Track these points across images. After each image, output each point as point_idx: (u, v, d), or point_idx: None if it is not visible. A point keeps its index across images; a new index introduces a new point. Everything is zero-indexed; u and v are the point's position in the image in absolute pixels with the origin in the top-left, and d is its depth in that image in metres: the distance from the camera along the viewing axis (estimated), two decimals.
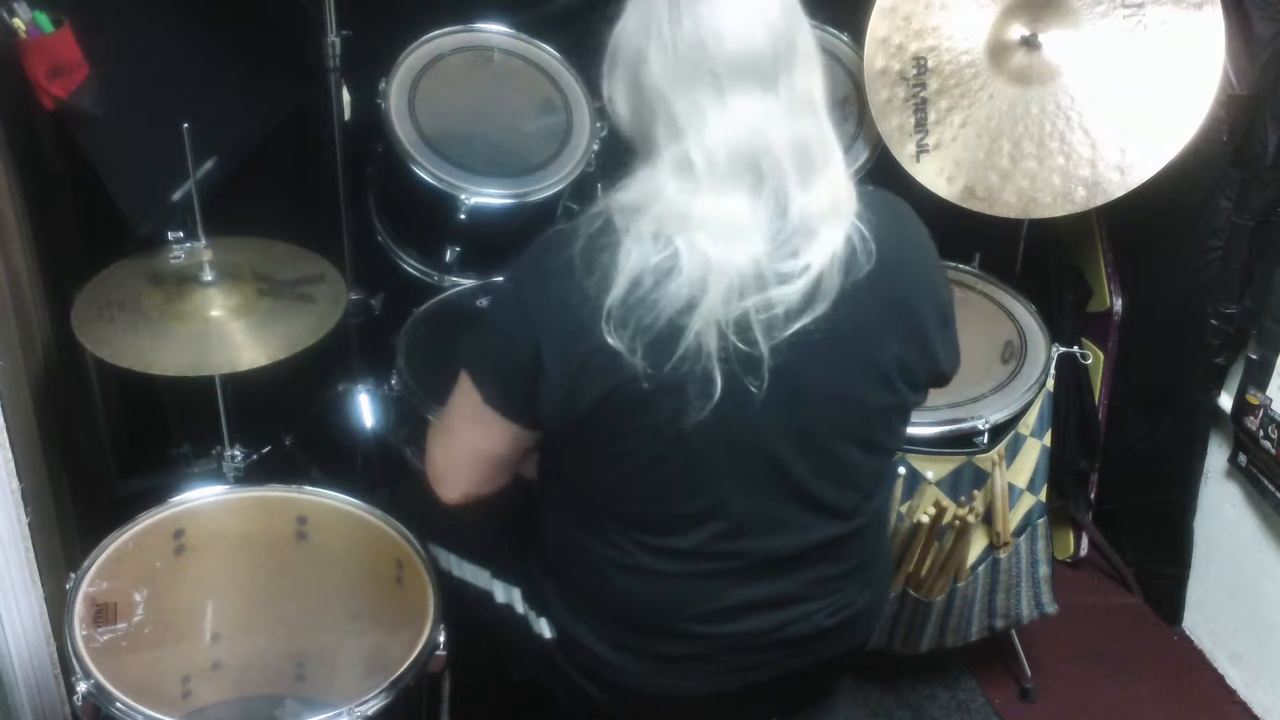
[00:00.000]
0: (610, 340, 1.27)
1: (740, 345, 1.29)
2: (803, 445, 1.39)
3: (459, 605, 1.72)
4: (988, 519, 2.16)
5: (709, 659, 1.50)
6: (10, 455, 1.71)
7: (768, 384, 1.30)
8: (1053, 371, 2.19)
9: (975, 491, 2.13)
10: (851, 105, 2.38)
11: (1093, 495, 2.70)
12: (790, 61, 1.29)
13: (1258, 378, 2.26)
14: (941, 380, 1.51)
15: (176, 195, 2.08)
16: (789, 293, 1.29)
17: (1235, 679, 2.51)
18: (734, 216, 1.28)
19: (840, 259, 1.31)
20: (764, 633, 1.48)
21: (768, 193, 1.29)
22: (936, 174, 2.24)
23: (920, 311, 1.42)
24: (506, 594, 1.64)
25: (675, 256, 1.27)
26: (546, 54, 2.39)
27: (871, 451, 1.46)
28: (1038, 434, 2.18)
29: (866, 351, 1.37)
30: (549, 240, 1.36)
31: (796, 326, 1.30)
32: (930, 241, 1.47)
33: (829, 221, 1.31)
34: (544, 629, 1.57)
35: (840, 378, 1.37)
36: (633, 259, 1.27)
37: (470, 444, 1.46)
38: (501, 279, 1.41)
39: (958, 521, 2.08)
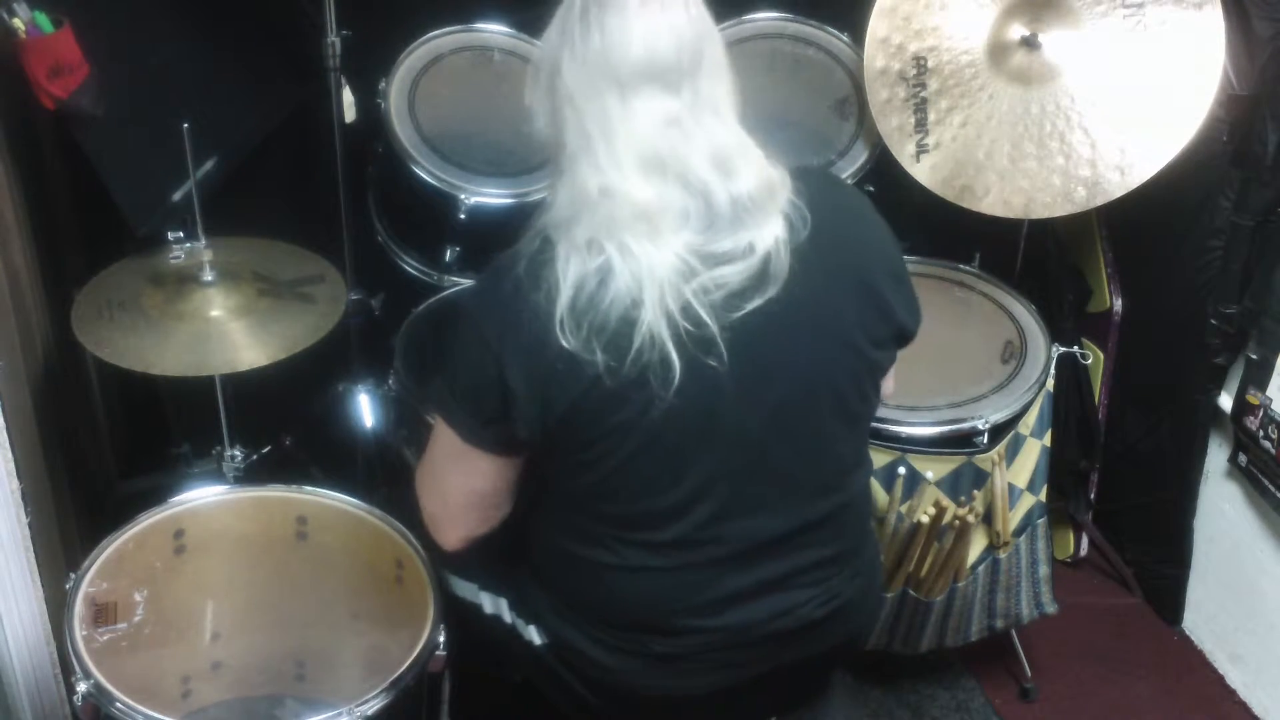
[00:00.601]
0: (568, 345, 1.31)
1: (691, 328, 1.32)
2: (777, 422, 1.41)
3: (452, 615, 1.72)
4: (988, 519, 2.16)
5: (701, 656, 1.50)
6: (10, 455, 1.71)
7: (730, 364, 1.34)
8: (1053, 371, 2.19)
9: (975, 491, 2.13)
10: (851, 105, 2.38)
11: (1093, 495, 2.70)
12: (696, 69, 1.34)
13: (1258, 378, 2.26)
14: (905, 336, 1.52)
15: (176, 195, 2.08)
16: (729, 273, 1.33)
17: (1235, 679, 2.51)
18: (652, 214, 1.32)
19: (783, 236, 1.35)
20: (753, 625, 1.49)
21: (682, 186, 1.33)
22: (937, 174, 2.24)
23: (868, 269, 1.45)
24: (494, 604, 1.65)
25: (609, 259, 1.31)
26: None
27: (848, 421, 1.48)
28: (1038, 434, 2.18)
29: (825, 319, 1.41)
30: (494, 268, 1.42)
31: (750, 306, 1.34)
32: (867, 203, 1.53)
33: (763, 202, 1.35)
34: (534, 636, 1.58)
35: (803, 348, 1.40)
36: (572, 267, 1.32)
37: (460, 486, 1.49)
38: (460, 309, 1.48)
39: (958, 521, 2.08)
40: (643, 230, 1.31)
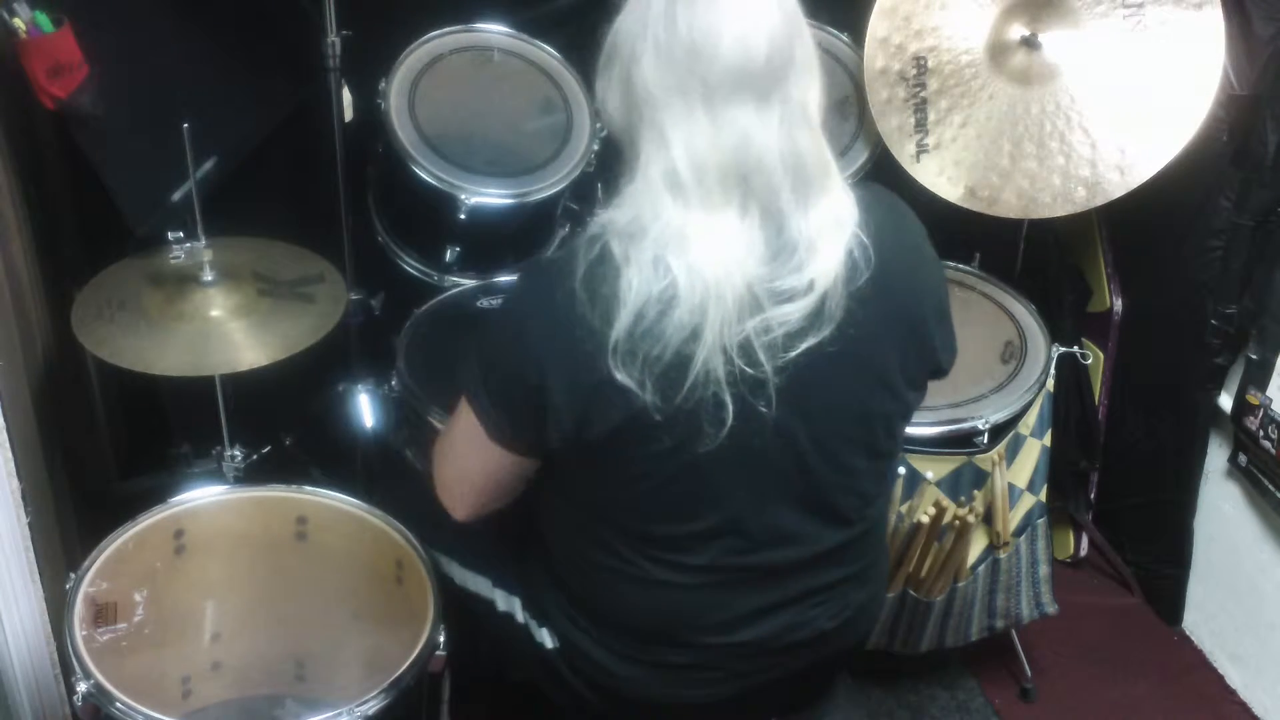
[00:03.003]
0: (619, 376, 1.25)
1: (746, 369, 1.27)
2: (811, 459, 1.38)
3: (459, 613, 1.71)
4: (988, 519, 2.16)
5: (712, 667, 1.49)
6: (10, 455, 1.71)
7: (776, 404, 1.29)
8: (1053, 371, 2.19)
9: (975, 491, 2.13)
10: (851, 105, 2.38)
11: (1093, 495, 2.70)
12: (786, 73, 1.25)
13: (1258, 378, 2.26)
14: (939, 373, 1.50)
15: (176, 195, 2.08)
16: (790, 311, 1.26)
17: (1235, 679, 2.51)
18: (728, 237, 1.24)
19: (842, 274, 1.28)
20: (767, 639, 1.48)
21: (761, 210, 1.26)
22: (936, 174, 2.24)
23: (920, 311, 1.41)
24: (507, 603, 1.64)
25: (675, 284, 1.23)
26: (546, 54, 2.39)
27: (875, 458, 1.45)
28: (1038, 434, 2.18)
29: (871, 361, 1.36)
30: (548, 270, 1.33)
31: (804, 346, 1.28)
32: (926, 237, 1.46)
33: (829, 237, 1.28)
34: (545, 638, 1.57)
35: (846, 390, 1.36)
36: (635, 290, 1.24)
37: (476, 468, 1.44)
38: (500, 303, 1.35)
39: (958, 521, 2.08)
40: (715, 253, 1.23)
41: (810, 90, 1.28)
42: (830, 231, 1.28)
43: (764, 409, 1.29)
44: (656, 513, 1.39)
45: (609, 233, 1.28)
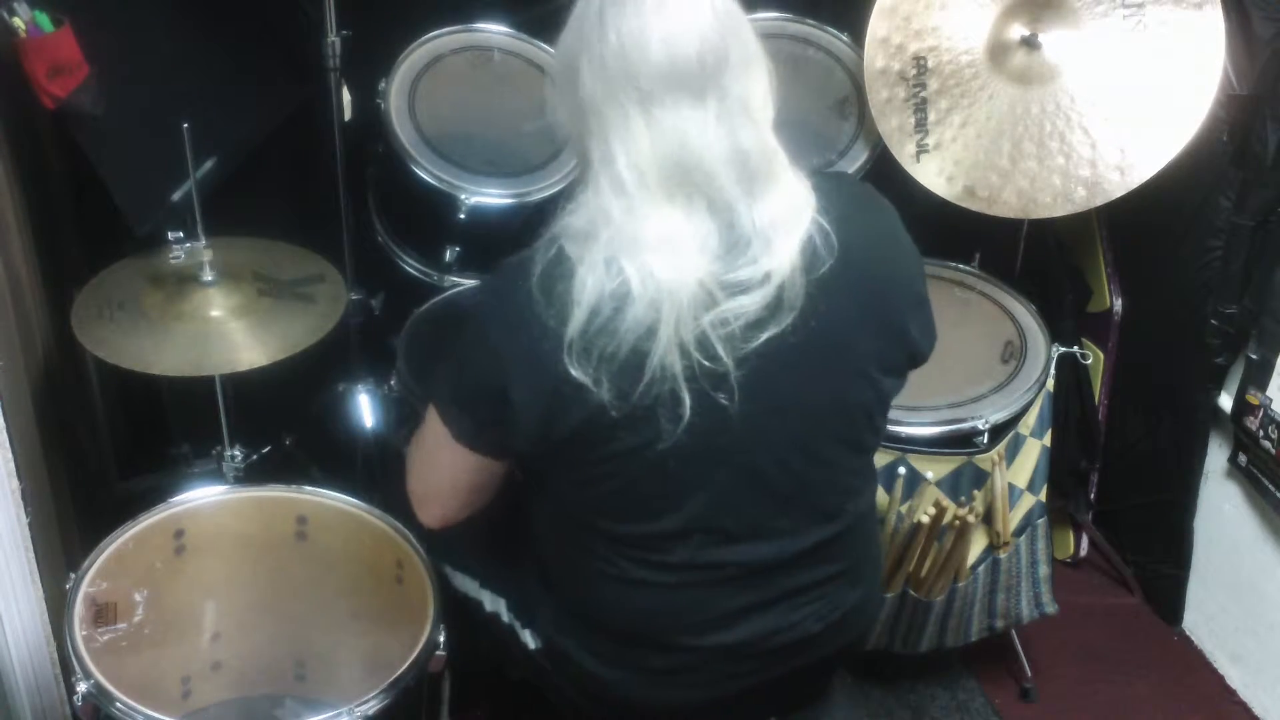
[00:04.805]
0: (575, 373, 1.26)
1: (705, 362, 1.27)
2: (784, 452, 1.37)
3: (457, 612, 1.72)
4: (988, 519, 2.16)
5: (697, 670, 1.49)
6: (10, 455, 1.71)
7: (740, 397, 1.29)
8: (1053, 371, 2.19)
9: (975, 491, 2.13)
10: (851, 105, 2.38)
11: (1093, 495, 2.70)
12: (721, 70, 1.26)
13: (1258, 378, 2.26)
14: (918, 360, 1.49)
15: (176, 195, 2.08)
16: (747, 304, 1.27)
17: (1235, 679, 2.51)
18: (676, 235, 1.26)
19: (800, 263, 1.29)
20: (752, 642, 1.47)
21: (708, 206, 1.27)
22: (936, 174, 2.24)
23: (893, 297, 1.41)
24: (494, 603, 1.65)
25: (628, 283, 1.25)
26: (546, 54, 2.38)
27: (856, 449, 1.45)
28: (1038, 434, 2.18)
29: (841, 349, 1.36)
30: (506, 271, 1.35)
31: (764, 337, 1.28)
32: (897, 222, 1.46)
33: (784, 227, 1.28)
34: (529, 639, 1.58)
35: (816, 380, 1.36)
36: (588, 289, 1.25)
37: (445, 474, 1.46)
38: (466, 309, 1.38)
39: (958, 521, 2.08)
40: (666, 253, 1.25)
41: (751, 84, 1.29)
42: (784, 221, 1.29)
43: (725, 402, 1.29)
44: (626, 512, 1.39)
45: (564, 236, 1.30)
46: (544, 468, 1.42)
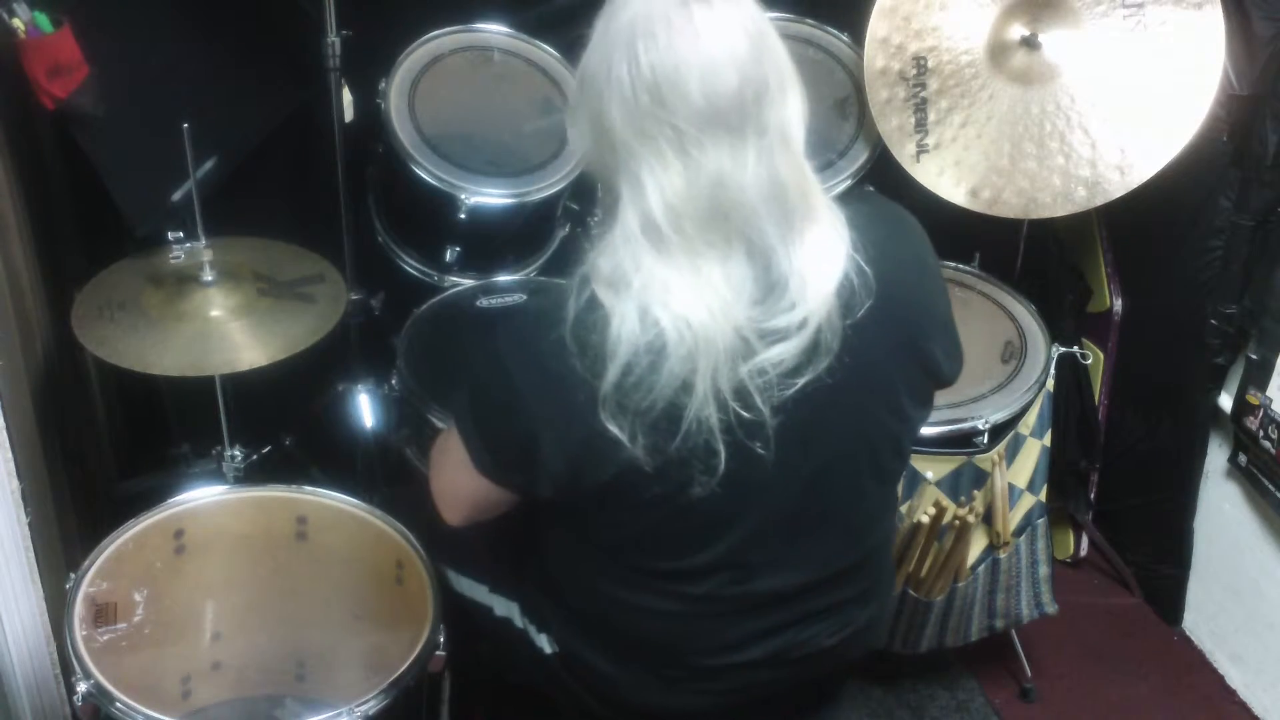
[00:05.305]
0: (610, 427, 1.22)
1: (742, 413, 1.23)
2: (812, 488, 1.36)
3: (457, 615, 1.71)
4: (988, 519, 2.16)
5: (711, 681, 1.49)
6: (10, 455, 1.72)
7: (775, 444, 1.26)
8: (1053, 371, 2.19)
9: (975, 491, 2.13)
10: (851, 105, 2.38)
11: (1093, 495, 2.70)
12: (760, 101, 1.19)
13: (1258, 378, 2.26)
14: (945, 384, 1.47)
15: (176, 195, 2.08)
16: (784, 351, 1.23)
17: (1235, 679, 2.51)
18: (713, 283, 1.20)
19: (837, 305, 1.25)
20: (769, 658, 1.47)
21: (746, 249, 1.22)
22: (936, 174, 2.24)
23: (925, 330, 1.38)
24: (505, 608, 1.63)
25: (663, 335, 1.20)
26: (546, 54, 2.39)
27: (881, 480, 1.44)
28: (1038, 434, 2.18)
29: (875, 388, 1.34)
30: (537, 316, 1.29)
31: (800, 383, 1.24)
32: (926, 244, 1.43)
33: (821, 269, 1.24)
34: (544, 644, 1.56)
35: (849, 421, 1.34)
36: (623, 341, 1.20)
37: (466, 489, 1.43)
38: (491, 348, 1.31)
39: (958, 521, 2.08)
40: (702, 300, 1.19)
41: (789, 110, 1.23)
42: (821, 262, 1.24)
43: (762, 451, 1.26)
44: (654, 550, 1.38)
45: (595, 279, 1.24)
46: (568, 506, 1.39)
